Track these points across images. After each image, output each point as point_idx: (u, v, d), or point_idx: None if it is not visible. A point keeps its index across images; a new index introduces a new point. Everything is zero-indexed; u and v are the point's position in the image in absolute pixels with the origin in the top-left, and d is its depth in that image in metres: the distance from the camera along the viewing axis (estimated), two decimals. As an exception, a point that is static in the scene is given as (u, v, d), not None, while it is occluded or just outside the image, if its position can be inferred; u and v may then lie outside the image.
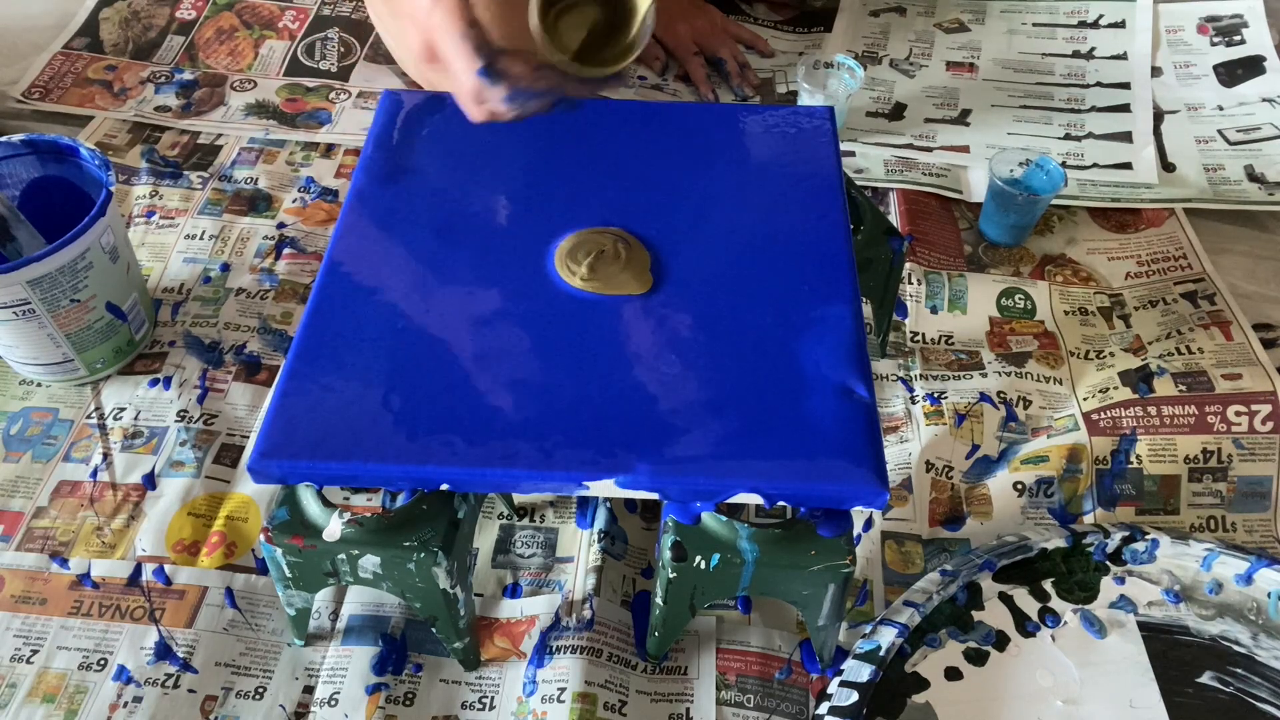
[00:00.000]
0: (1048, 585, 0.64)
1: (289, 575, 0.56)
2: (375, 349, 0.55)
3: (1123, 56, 1.08)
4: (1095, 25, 1.12)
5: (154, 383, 0.75)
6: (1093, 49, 1.09)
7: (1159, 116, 1.01)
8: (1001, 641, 0.61)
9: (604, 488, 0.51)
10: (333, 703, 0.59)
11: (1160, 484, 0.70)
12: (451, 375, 0.54)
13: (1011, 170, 0.86)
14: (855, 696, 0.56)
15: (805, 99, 0.96)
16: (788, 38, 1.14)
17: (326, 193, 0.92)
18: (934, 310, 0.82)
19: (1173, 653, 0.61)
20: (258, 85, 1.03)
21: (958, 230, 0.90)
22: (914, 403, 0.75)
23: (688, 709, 0.60)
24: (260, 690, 0.60)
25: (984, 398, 0.74)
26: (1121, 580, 0.64)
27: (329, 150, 0.96)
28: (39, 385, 0.75)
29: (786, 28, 1.16)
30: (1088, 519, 0.69)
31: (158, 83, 1.02)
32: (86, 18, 1.09)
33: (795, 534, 0.53)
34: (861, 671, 0.57)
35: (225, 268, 0.84)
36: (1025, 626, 0.62)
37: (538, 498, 0.70)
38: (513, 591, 0.65)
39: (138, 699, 0.59)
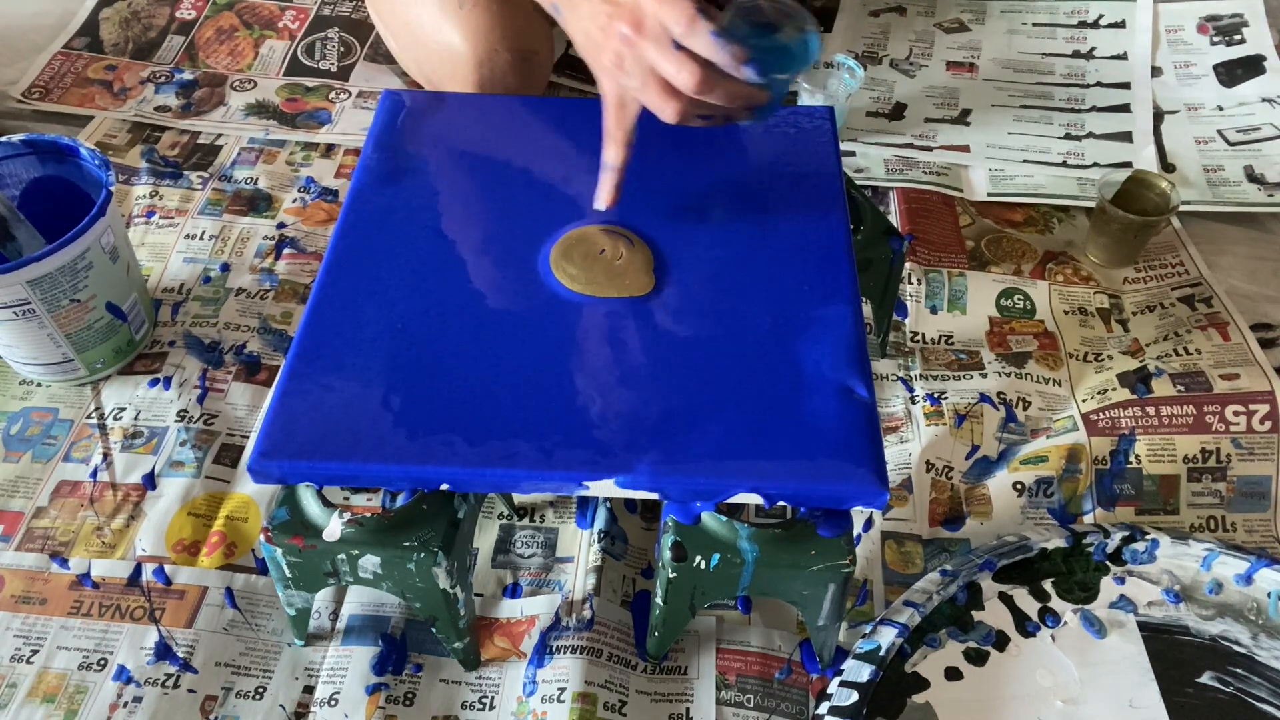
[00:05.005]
0: (1048, 585, 0.64)
1: (289, 575, 0.56)
2: (375, 349, 0.55)
3: (1123, 56, 1.08)
4: (1095, 25, 1.12)
5: (154, 383, 0.75)
6: (1093, 49, 1.09)
7: (1159, 116, 1.01)
8: (1001, 641, 0.61)
9: (604, 488, 0.51)
10: (333, 703, 0.59)
11: (1160, 484, 0.70)
12: (452, 375, 0.54)
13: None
14: (855, 696, 0.56)
15: (805, 99, 0.96)
16: (788, 38, 1.14)
17: (326, 193, 0.92)
18: (934, 310, 0.82)
19: (1173, 653, 0.61)
20: (258, 85, 1.03)
21: (958, 226, 0.90)
22: (914, 403, 0.75)
23: (688, 709, 0.60)
24: (260, 690, 0.60)
25: (984, 398, 0.74)
26: (1121, 580, 0.64)
27: (329, 150, 0.96)
28: (39, 385, 0.75)
29: (786, 28, 1.15)
30: (1087, 519, 0.69)
31: (158, 83, 1.02)
32: (86, 18, 1.09)
33: (795, 534, 0.53)
34: (861, 671, 0.57)
35: (225, 268, 0.84)
36: (1025, 626, 0.62)
37: (538, 498, 0.70)
38: (513, 591, 0.65)
39: (138, 699, 0.59)
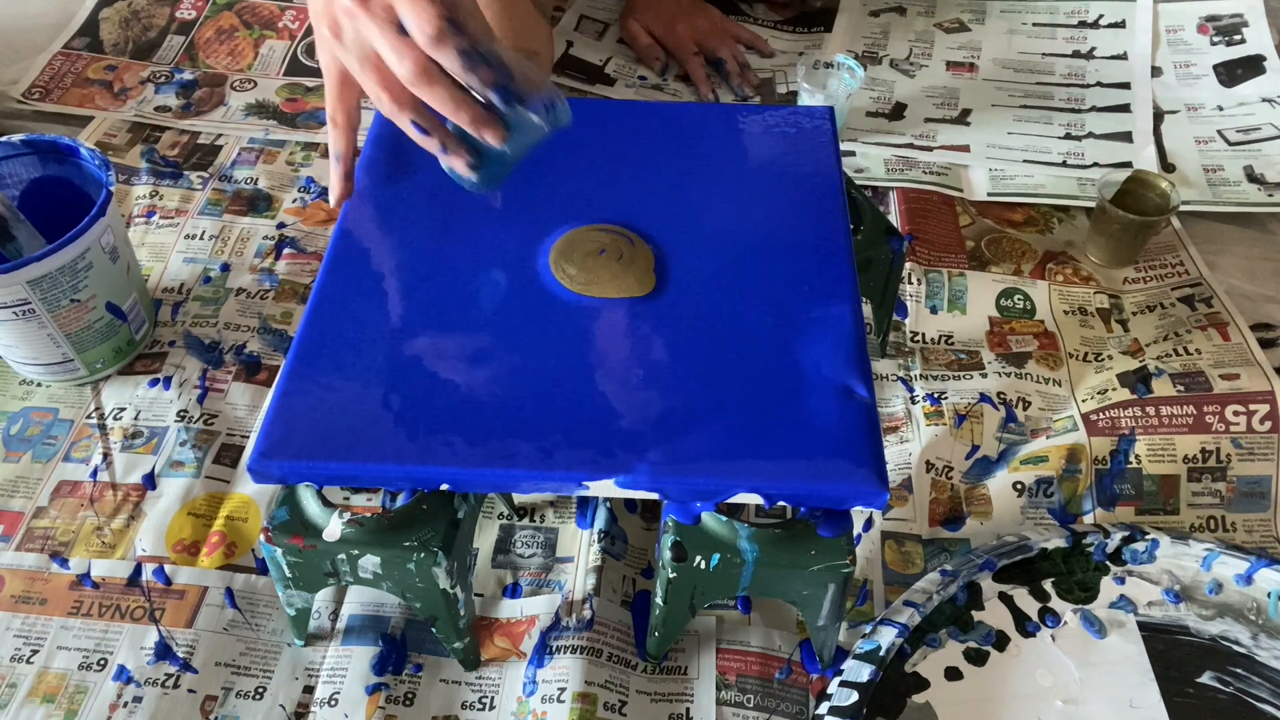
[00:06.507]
0: (1048, 585, 0.64)
1: (289, 575, 0.56)
2: (375, 349, 0.55)
3: (1123, 56, 1.08)
4: (1095, 25, 1.12)
5: (154, 383, 0.75)
6: (1093, 49, 1.09)
7: (1159, 116, 1.01)
8: (1001, 641, 0.61)
9: (604, 488, 0.51)
10: (333, 703, 0.59)
11: (1159, 484, 0.70)
12: (452, 375, 0.54)
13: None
14: (855, 696, 0.56)
15: (805, 99, 0.96)
16: (788, 38, 1.14)
17: (326, 193, 0.92)
18: (934, 310, 0.82)
19: (1173, 653, 0.61)
20: (258, 85, 1.03)
21: (958, 226, 0.90)
22: (914, 403, 0.75)
23: (688, 709, 0.60)
24: (260, 690, 0.60)
25: (984, 398, 0.74)
26: (1121, 580, 0.64)
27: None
28: (39, 385, 0.75)
29: (786, 28, 1.16)
30: (1087, 519, 0.69)
31: (158, 83, 1.02)
32: (86, 18, 1.09)
33: (795, 534, 0.53)
34: (861, 671, 0.57)
35: (225, 268, 0.84)
36: (1025, 626, 0.62)
37: (538, 498, 0.70)
38: (513, 591, 0.65)
39: (138, 699, 0.59)
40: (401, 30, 0.48)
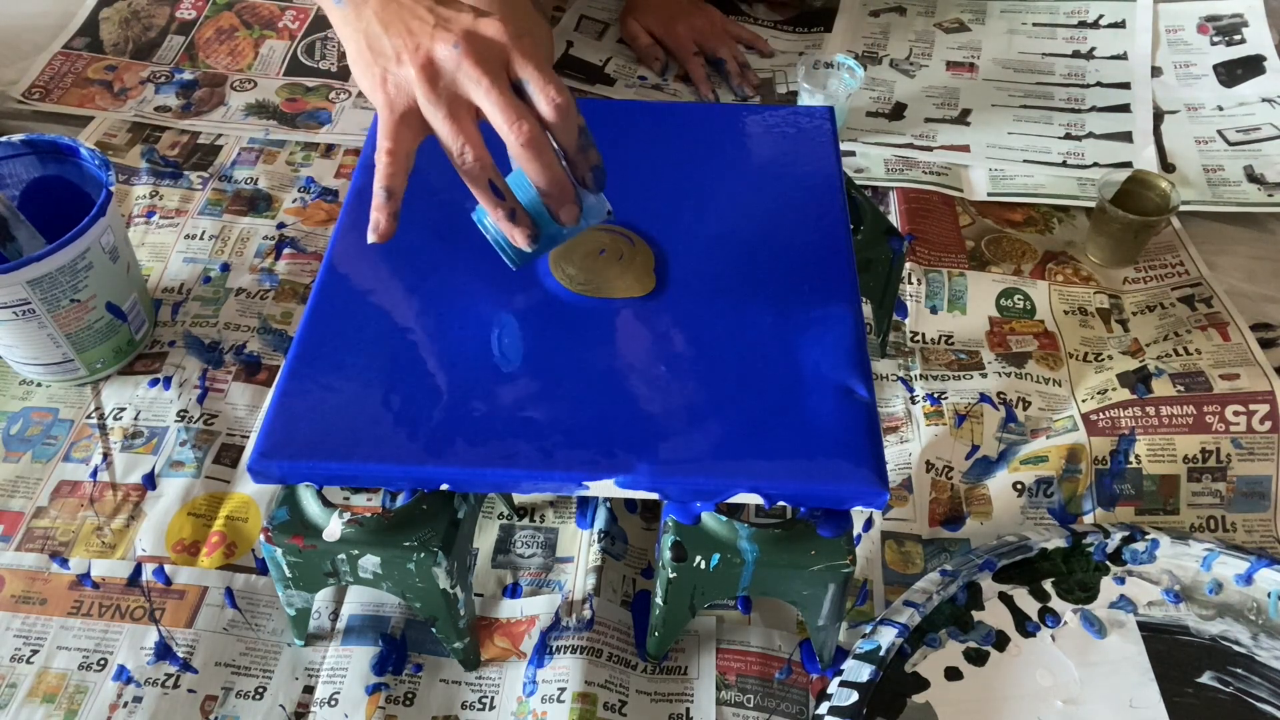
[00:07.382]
0: (1048, 585, 0.64)
1: (289, 575, 0.56)
2: (375, 349, 0.55)
3: (1123, 56, 1.08)
4: (1095, 25, 1.12)
5: (154, 383, 0.75)
6: (1093, 49, 1.09)
7: (1159, 116, 1.01)
8: (1001, 641, 0.61)
9: (604, 488, 0.51)
10: (333, 703, 0.59)
11: (1159, 484, 0.70)
12: (452, 375, 0.54)
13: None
14: (855, 696, 0.56)
15: (805, 99, 0.96)
16: (788, 38, 1.14)
17: (326, 193, 0.92)
18: (934, 310, 0.82)
19: (1173, 653, 0.61)
20: (258, 85, 1.03)
21: (958, 226, 0.90)
22: (914, 403, 0.75)
23: (688, 709, 0.60)
24: (260, 690, 0.60)
25: (984, 398, 0.74)
26: (1121, 580, 0.64)
27: (329, 150, 0.96)
28: (39, 385, 0.75)
29: (786, 28, 1.16)
30: (1087, 519, 0.69)
31: (158, 83, 1.02)
32: (86, 18, 1.09)
33: (795, 534, 0.53)
34: (861, 671, 0.57)
35: (225, 268, 0.84)
36: (1025, 626, 0.62)
37: (538, 498, 0.70)
38: (513, 591, 0.65)
39: (138, 699, 0.59)
40: (517, 92, 0.47)
